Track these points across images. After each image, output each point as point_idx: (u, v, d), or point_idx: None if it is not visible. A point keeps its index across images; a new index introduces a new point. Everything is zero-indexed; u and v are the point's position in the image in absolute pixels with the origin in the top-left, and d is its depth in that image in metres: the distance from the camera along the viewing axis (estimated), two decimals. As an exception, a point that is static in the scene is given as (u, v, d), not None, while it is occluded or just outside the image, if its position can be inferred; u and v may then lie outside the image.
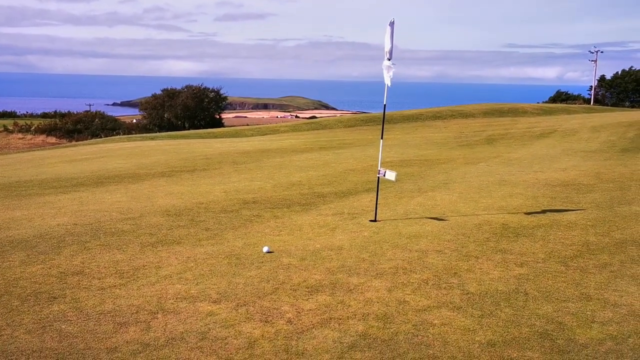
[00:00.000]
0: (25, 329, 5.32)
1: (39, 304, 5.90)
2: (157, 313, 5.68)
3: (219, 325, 5.40)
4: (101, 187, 13.59)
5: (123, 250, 7.84)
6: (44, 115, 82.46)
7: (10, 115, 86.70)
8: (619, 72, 79.87)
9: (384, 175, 9.56)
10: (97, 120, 63.50)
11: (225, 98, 77.63)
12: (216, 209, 10.67)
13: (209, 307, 5.82)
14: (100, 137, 51.72)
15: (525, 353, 4.87)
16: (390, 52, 9.26)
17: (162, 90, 73.41)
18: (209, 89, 74.73)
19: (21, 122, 65.78)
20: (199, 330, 5.29)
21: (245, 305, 5.89)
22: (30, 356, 4.79)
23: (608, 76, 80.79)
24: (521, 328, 5.35)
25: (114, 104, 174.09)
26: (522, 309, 5.79)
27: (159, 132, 56.74)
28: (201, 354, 4.85)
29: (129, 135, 46.02)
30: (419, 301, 5.99)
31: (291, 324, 5.43)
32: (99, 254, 7.68)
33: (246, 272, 6.90)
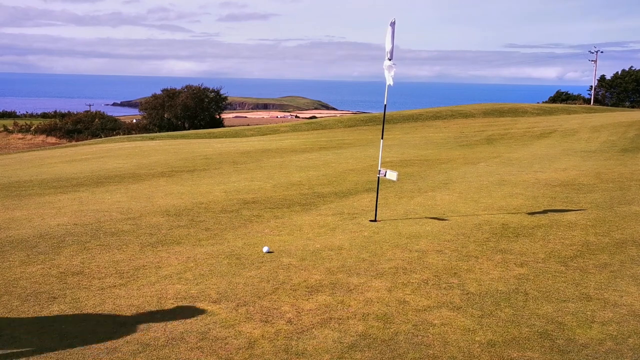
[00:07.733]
0: (25, 329, 5.32)
1: (39, 304, 5.89)
2: (157, 313, 5.68)
3: (219, 325, 5.40)
4: (101, 187, 13.59)
5: (123, 250, 7.84)
6: (44, 115, 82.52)
7: (10, 115, 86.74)
8: (619, 72, 79.90)
9: (385, 176, 9.55)
10: (97, 120, 63.56)
11: (225, 98, 77.59)
12: (216, 209, 10.66)
13: (209, 307, 5.82)
14: (100, 137, 51.75)
15: (525, 353, 4.87)
16: (391, 52, 9.26)
17: (162, 90, 73.38)
18: (209, 89, 74.70)
19: (21, 122, 65.82)
20: (199, 330, 5.29)
21: (245, 305, 5.88)
22: (30, 356, 4.79)
23: (608, 76, 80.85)
24: (521, 328, 5.35)
25: (114, 104, 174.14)
26: (522, 309, 5.78)
27: (159, 132, 56.75)
28: (201, 354, 4.85)
29: (129, 135, 45.99)
30: (419, 301, 5.99)
31: (291, 324, 5.43)
32: (99, 254, 7.68)
33: (246, 272, 6.90)
